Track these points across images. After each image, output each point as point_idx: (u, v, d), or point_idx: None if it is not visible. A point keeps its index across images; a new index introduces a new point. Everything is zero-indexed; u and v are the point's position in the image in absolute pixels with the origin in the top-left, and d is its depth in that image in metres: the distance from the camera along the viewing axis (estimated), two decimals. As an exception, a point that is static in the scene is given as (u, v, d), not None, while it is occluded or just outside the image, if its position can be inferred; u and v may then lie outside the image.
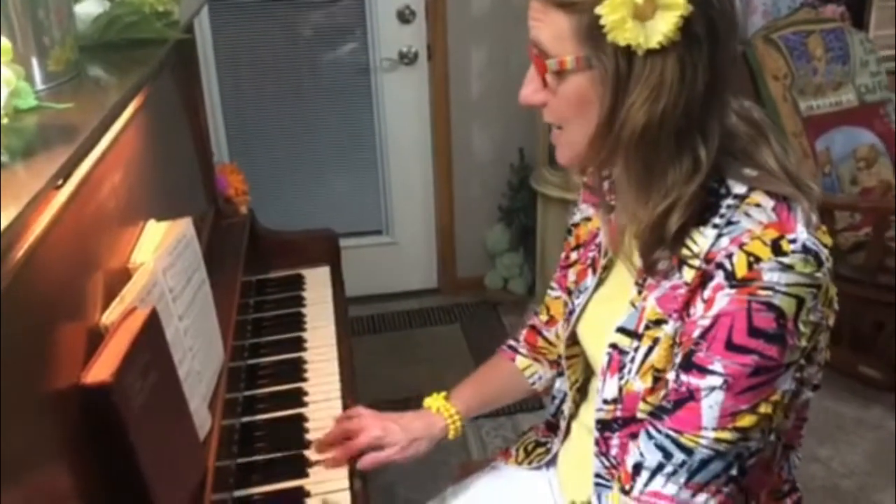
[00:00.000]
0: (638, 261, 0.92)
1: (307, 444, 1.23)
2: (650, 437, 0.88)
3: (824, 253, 0.83)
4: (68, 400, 0.79)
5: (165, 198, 1.29)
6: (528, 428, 1.32)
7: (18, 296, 0.70)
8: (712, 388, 0.83)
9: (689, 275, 0.87)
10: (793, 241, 0.81)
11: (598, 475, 1.01)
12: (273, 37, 2.88)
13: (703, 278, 0.85)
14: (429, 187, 3.13)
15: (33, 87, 0.86)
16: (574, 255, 1.12)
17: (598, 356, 0.98)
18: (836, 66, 2.74)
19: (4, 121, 0.76)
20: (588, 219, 1.11)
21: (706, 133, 0.83)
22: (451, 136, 3.02)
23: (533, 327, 1.27)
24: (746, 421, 0.83)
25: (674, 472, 0.86)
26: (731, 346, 0.82)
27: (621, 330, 0.94)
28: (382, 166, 3.09)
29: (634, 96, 0.80)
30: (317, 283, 1.72)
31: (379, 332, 3.02)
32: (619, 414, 0.95)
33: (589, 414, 1.05)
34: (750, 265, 0.81)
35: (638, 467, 0.89)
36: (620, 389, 0.94)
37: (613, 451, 0.97)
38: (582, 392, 1.15)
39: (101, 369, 0.81)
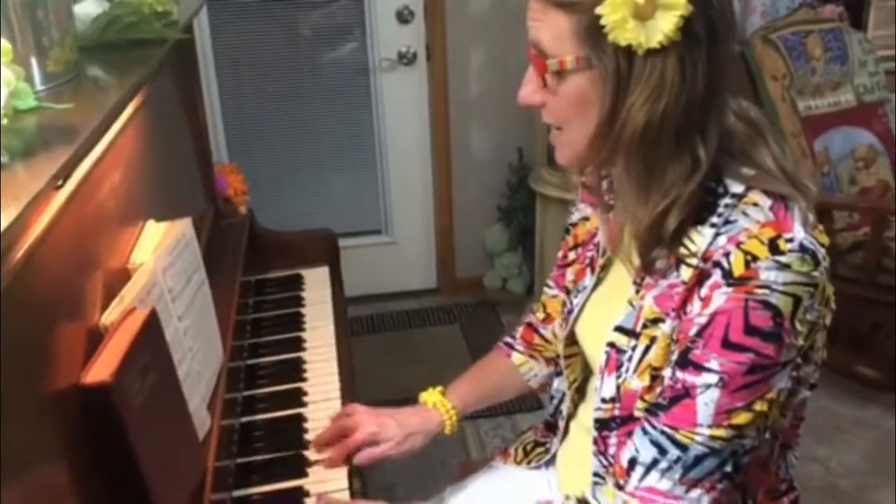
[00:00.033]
0: (636, 260, 0.92)
1: (306, 444, 1.23)
2: (646, 432, 0.89)
3: (821, 252, 0.83)
4: (68, 400, 0.79)
5: (165, 198, 1.29)
6: (527, 428, 1.32)
7: (18, 296, 0.70)
8: (708, 386, 0.83)
9: (686, 273, 0.87)
10: (790, 240, 0.81)
11: (595, 474, 1.01)
12: (272, 37, 2.89)
13: (701, 277, 0.85)
14: (428, 187, 3.13)
15: (33, 88, 0.86)
16: (572, 255, 1.13)
17: (597, 355, 0.99)
18: (834, 66, 2.74)
19: (4, 121, 0.76)
20: (586, 218, 1.11)
21: (705, 132, 0.84)
22: (449, 136, 3.02)
23: (529, 325, 1.28)
24: (742, 418, 0.84)
25: (668, 468, 0.87)
26: (727, 344, 0.82)
27: (619, 329, 0.95)
28: (381, 166, 3.09)
29: (635, 96, 0.80)
30: (316, 283, 1.73)
31: (378, 332, 3.02)
32: (616, 413, 0.95)
33: (587, 414, 1.06)
34: (747, 264, 0.81)
35: (633, 462, 0.90)
36: (618, 388, 0.94)
37: (611, 450, 0.97)
38: (580, 392, 1.15)
39: (101, 369, 0.81)
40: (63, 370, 0.79)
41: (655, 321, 0.90)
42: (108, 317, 0.90)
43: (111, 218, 1.01)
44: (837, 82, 2.76)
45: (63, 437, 0.77)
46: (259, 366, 1.44)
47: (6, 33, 0.84)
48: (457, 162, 3.07)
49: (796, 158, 2.60)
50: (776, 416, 0.88)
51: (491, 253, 3.20)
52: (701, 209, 0.86)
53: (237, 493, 1.14)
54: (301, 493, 1.14)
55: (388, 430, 1.17)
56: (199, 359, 1.12)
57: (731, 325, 0.82)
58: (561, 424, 1.18)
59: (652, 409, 0.89)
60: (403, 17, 2.86)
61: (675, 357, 0.87)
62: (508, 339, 1.30)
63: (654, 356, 0.90)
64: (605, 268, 1.04)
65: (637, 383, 0.92)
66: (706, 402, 0.84)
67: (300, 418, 1.29)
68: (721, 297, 0.82)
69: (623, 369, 0.94)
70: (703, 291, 0.84)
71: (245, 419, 1.30)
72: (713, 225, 0.85)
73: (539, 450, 1.25)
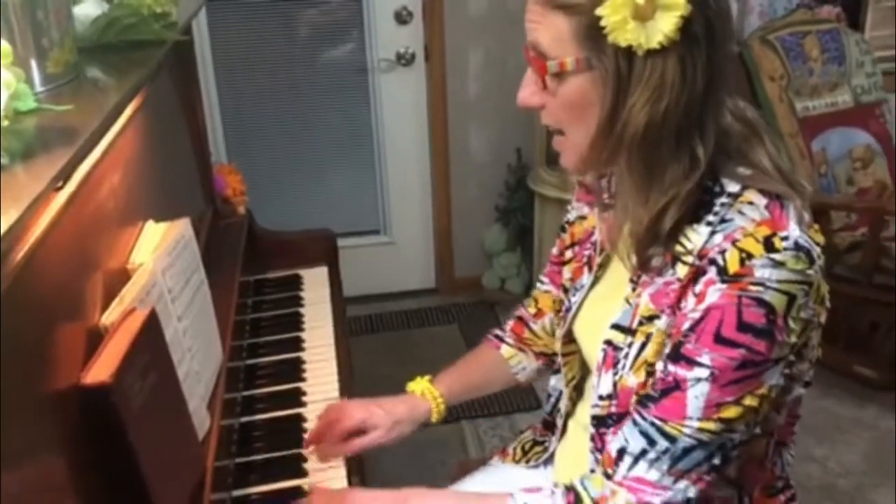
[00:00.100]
0: (634, 258, 0.93)
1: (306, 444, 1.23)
2: (635, 423, 0.90)
3: (816, 251, 0.84)
4: (68, 400, 0.79)
5: (164, 198, 1.30)
6: (526, 427, 1.32)
7: (19, 297, 0.70)
8: (699, 380, 0.84)
9: (682, 271, 0.88)
10: (785, 239, 0.82)
11: (593, 471, 1.01)
12: (270, 37, 2.89)
13: (696, 274, 0.86)
14: (426, 187, 3.13)
15: (33, 90, 0.86)
16: (569, 253, 1.13)
17: (594, 353, 0.99)
18: (832, 66, 2.75)
19: (4, 123, 0.77)
20: (583, 217, 1.11)
21: (704, 131, 0.84)
22: (448, 136, 3.02)
23: (520, 318, 1.28)
24: (731, 412, 0.84)
25: (657, 459, 0.87)
26: (719, 340, 0.83)
27: (616, 326, 0.95)
28: (380, 167, 3.09)
29: (636, 97, 0.81)
30: (315, 283, 1.73)
31: (377, 332, 3.02)
32: (613, 409, 0.96)
33: (585, 412, 1.06)
34: (742, 261, 0.82)
35: (622, 452, 0.90)
36: (615, 385, 0.95)
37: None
38: (578, 390, 1.15)
39: (101, 370, 0.82)
40: (63, 371, 0.80)
41: (651, 318, 0.91)
42: (108, 317, 0.90)
43: (111, 219, 1.02)
44: (835, 83, 2.76)
45: (63, 437, 0.78)
46: (258, 366, 1.44)
47: (6, 35, 0.84)
48: (455, 162, 3.07)
49: (793, 158, 2.60)
50: (767, 411, 0.89)
51: (489, 253, 3.21)
52: (697, 207, 0.87)
53: (236, 492, 1.14)
54: (300, 492, 1.14)
55: (376, 417, 1.17)
56: (198, 359, 1.13)
57: (723, 320, 0.82)
58: (559, 423, 1.18)
59: (642, 401, 0.90)
60: (402, 17, 2.87)
61: (667, 350, 0.88)
62: (498, 332, 1.30)
63: (649, 352, 0.91)
64: (603, 266, 1.05)
65: (633, 380, 0.92)
66: (696, 396, 0.84)
67: (299, 418, 1.30)
68: (715, 293, 0.83)
69: (620, 366, 0.94)
70: (698, 287, 0.85)
71: (244, 419, 1.30)
72: (709, 223, 0.86)
73: (537, 449, 1.25)
